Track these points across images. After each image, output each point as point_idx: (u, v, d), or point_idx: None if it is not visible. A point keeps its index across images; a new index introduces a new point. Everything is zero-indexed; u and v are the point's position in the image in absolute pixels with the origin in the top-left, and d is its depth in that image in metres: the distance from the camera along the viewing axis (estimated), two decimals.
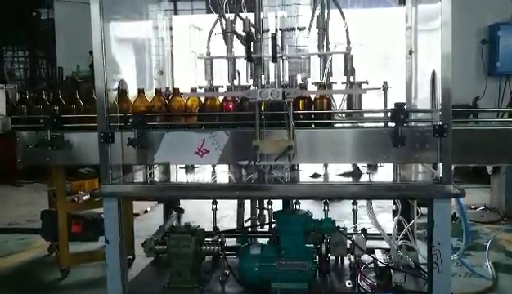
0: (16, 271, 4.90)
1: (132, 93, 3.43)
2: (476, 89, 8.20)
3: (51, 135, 3.24)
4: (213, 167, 3.55)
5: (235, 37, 3.12)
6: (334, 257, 3.66)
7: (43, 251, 5.19)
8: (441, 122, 2.74)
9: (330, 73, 3.23)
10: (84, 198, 4.58)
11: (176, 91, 3.37)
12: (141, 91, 3.39)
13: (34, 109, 3.83)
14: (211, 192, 3.29)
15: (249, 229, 4.13)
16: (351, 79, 3.20)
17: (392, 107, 2.92)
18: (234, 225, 4.31)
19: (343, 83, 3.26)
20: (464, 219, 3.18)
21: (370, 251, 3.60)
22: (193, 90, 3.37)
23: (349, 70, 3.17)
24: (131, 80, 3.46)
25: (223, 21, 3.14)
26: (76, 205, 4.62)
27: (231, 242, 4.08)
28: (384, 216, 4.62)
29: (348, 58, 3.17)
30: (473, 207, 6.62)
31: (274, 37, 2.82)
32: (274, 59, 2.86)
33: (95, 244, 4.81)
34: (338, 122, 3.20)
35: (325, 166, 3.44)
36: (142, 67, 3.87)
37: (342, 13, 3.23)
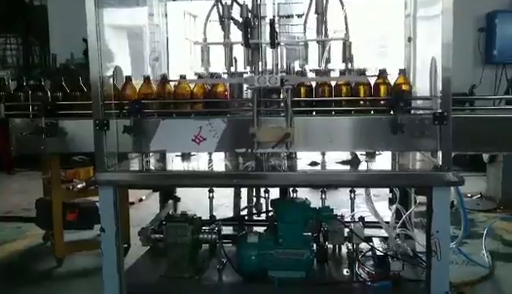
0: (11, 260, 4.87)
1: None
2: (473, 77, 8.19)
3: (45, 122, 3.19)
4: (210, 154, 3.52)
5: (232, 23, 3.06)
6: (331, 246, 3.65)
7: (39, 239, 5.17)
8: (441, 110, 2.72)
9: (328, 60, 3.19)
10: (79, 186, 4.54)
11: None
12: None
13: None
14: (208, 180, 3.25)
15: (246, 218, 4.11)
16: (349, 66, 3.16)
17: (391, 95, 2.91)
18: (231, 214, 4.28)
19: (341, 70, 3.22)
20: (462, 207, 3.17)
21: (368, 239, 3.58)
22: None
23: (347, 57, 3.13)
24: (125, 66, 3.41)
25: (220, 7, 3.08)
26: (71, 193, 4.58)
27: (227, 230, 4.06)
28: (381, 205, 4.61)
29: (346, 45, 3.12)
30: (469, 195, 6.63)
31: (272, 23, 2.78)
32: (272, 45, 2.81)
33: (90, 232, 4.79)
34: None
35: (323, 154, 3.41)
36: (137, 53, 3.81)
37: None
